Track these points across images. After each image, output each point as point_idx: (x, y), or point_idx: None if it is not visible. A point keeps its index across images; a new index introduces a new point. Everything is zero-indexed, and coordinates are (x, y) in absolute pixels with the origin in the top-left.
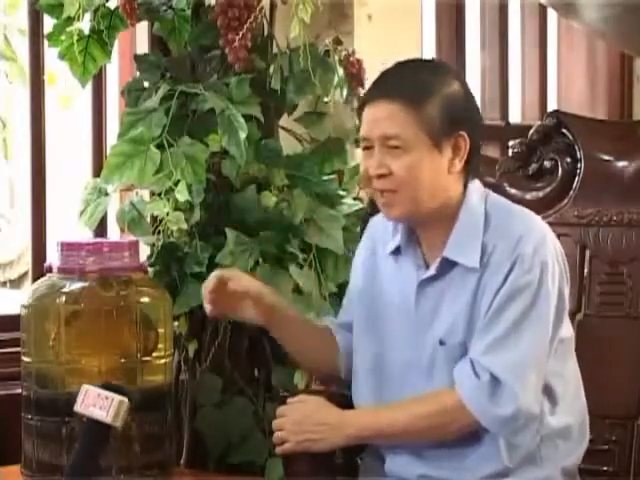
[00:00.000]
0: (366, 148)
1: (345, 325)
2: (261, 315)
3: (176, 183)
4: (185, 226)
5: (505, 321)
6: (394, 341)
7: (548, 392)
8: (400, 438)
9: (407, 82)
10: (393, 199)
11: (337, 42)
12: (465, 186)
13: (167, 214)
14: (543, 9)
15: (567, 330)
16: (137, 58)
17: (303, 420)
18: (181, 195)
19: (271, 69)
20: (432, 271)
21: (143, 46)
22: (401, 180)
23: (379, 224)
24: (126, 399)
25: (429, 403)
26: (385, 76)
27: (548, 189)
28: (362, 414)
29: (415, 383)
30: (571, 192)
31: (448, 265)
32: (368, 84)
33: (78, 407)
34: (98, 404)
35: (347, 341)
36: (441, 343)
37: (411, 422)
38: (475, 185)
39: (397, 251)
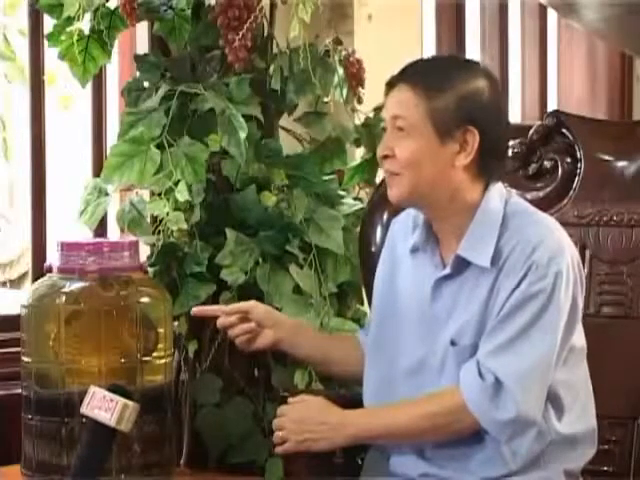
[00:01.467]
0: (384, 130)
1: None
2: (280, 337)
3: (176, 183)
4: (185, 226)
5: (514, 326)
6: (408, 341)
7: (555, 400)
8: (401, 438)
9: (429, 72)
10: (394, 180)
11: (337, 42)
12: (486, 187)
13: (167, 214)
14: (543, 9)
15: (579, 339)
16: (137, 58)
17: (304, 420)
18: (181, 195)
19: (271, 69)
20: (447, 270)
21: (143, 46)
22: (402, 163)
23: (398, 223)
24: (131, 402)
25: (432, 403)
26: (413, 63)
27: (548, 189)
28: (363, 414)
29: (427, 383)
30: (571, 192)
31: (462, 264)
32: (368, 84)
33: (84, 409)
34: (103, 407)
35: None
36: (452, 344)
37: (413, 422)
38: (497, 187)
39: (415, 250)
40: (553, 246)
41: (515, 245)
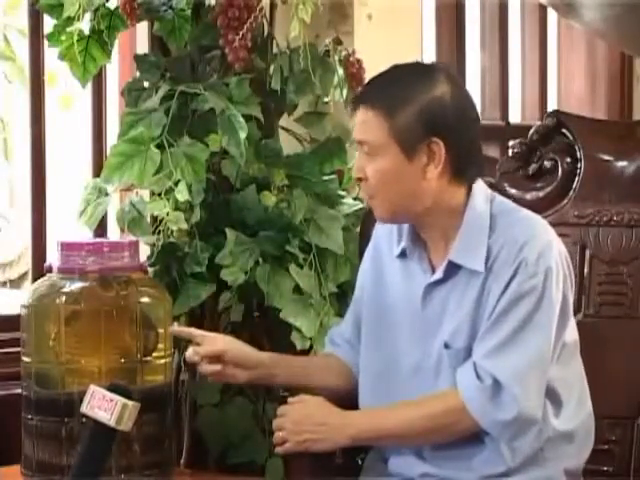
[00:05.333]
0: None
1: (351, 340)
2: (255, 376)
3: (176, 183)
4: (185, 226)
5: (508, 325)
6: (402, 345)
7: (552, 396)
8: (401, 439)
9: (385, 90)
10: (372, 203)
11: (337, 42)
12: (469, 188)
13: (167, 214)
14: (543, 9)
15: (571, 335)
16: (137, 58)
17: (303, 420)
18: (181, 195)
19: (271, 69)
20: (439, 275)
21: (143, 46)
22: (373, 186)
23: (382, 229)
24: (131, 402)
25: (431, 404)
26: (370, 82)
27: (548, 189)
28: (363, 415)
29: (422, 387)
30: (571, 192)
31: (454, 268)
32: None
33: (84, 408)
34: (103, 406)
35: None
36: (446, 347)
37: (413, 423)
38: (480, 188)
39: (403, 255)
40: (541, 243)
41: (503, 244)
